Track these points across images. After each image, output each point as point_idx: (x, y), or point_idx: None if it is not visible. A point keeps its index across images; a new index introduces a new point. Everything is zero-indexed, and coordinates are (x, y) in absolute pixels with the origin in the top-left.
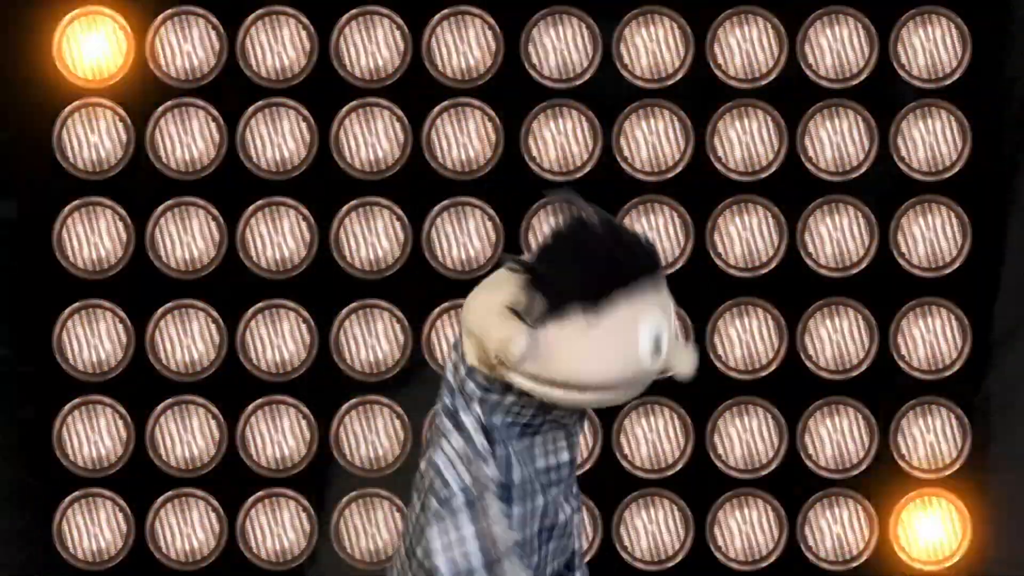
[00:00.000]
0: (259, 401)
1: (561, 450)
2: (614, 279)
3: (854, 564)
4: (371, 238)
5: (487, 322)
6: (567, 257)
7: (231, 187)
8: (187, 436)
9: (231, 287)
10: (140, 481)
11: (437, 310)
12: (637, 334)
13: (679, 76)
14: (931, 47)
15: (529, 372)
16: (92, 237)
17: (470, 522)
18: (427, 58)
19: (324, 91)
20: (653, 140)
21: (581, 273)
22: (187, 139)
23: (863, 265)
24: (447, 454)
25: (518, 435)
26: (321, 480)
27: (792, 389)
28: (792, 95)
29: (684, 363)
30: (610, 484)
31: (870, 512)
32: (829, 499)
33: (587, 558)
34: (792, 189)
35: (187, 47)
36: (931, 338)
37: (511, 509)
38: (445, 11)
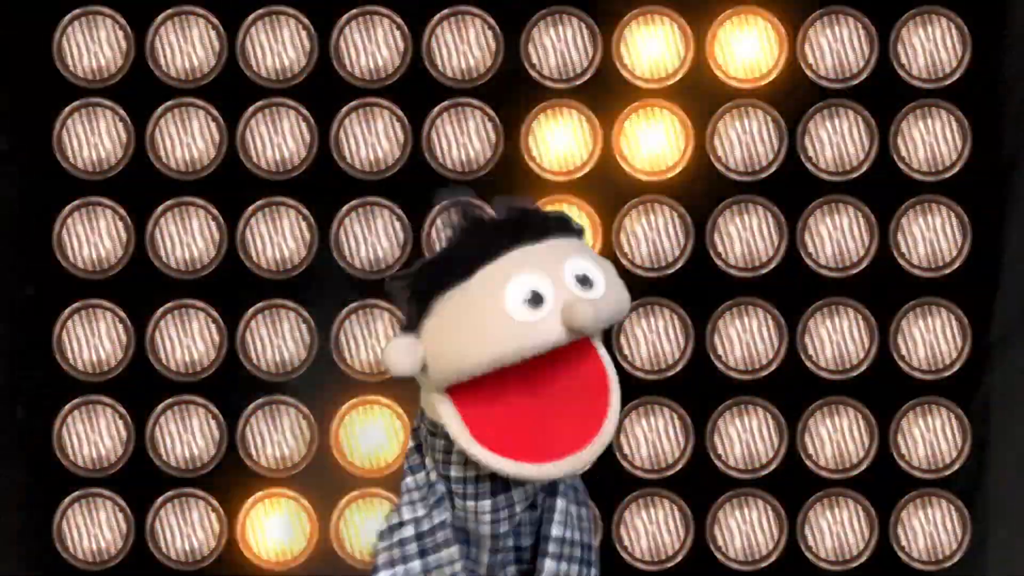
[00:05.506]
0: (259, 401)
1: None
2: (466, 260)
3: (854, 564)
4: (371, 238)
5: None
6: (432, 257)
7: (231, 187)
8: (187, 436)
9: (231, 287)
10: (140, 481)
11: None
12: (503, 293)
13: (679, 76)
14: (931, 47)
15: (432, 380)
16: (92, 237)
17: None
18: (427, 58)
19: (324, 91)
20: (653, 140)
21: (439, 263)
22: (187, 139)
23: (863, 265)
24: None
25: (473, 495)
26: (321, 480)
27: (792, 389)
28: (792, 95)
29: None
30: (610, 484)
31: (870, 512)
32: (829, 499)
33: None
34: (792, 189)
35: (187, 47)
36: (931, 338)
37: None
38: (445, 11)
